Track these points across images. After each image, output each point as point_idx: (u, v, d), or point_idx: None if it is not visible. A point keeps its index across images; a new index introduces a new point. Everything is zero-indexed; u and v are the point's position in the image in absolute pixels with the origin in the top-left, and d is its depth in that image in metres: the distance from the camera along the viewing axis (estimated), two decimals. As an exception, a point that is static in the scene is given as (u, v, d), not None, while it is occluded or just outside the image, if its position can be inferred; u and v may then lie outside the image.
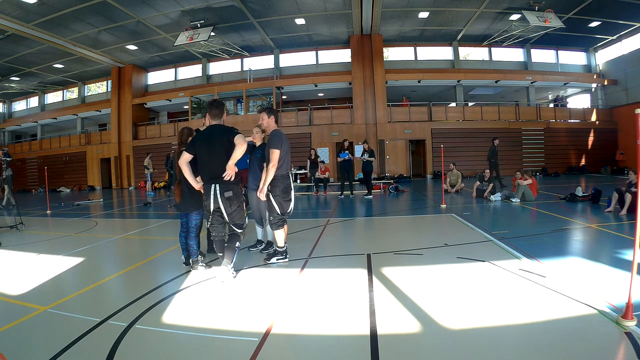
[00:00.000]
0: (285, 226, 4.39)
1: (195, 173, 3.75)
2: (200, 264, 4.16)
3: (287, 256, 4.40)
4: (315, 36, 18.95)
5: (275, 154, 4.08)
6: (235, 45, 18.85)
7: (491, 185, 9.68)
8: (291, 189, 4.33)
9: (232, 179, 3.54)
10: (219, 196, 3.56)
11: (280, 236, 4.31)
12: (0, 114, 26.98)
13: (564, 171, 18.67)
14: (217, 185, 3.57)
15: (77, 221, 8.77)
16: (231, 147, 3.47)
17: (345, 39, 19.25)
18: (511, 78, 19.68)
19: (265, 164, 4.48)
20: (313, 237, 5.64)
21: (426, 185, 15.12)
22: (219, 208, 3.60)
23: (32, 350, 2.44)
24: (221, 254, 3.78)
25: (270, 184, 4.15)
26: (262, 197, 4.15)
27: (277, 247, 4.41)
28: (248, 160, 4.85)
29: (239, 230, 3.75)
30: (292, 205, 4.36)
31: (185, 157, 3.64)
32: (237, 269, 4.02)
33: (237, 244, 3.74)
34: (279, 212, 4.22)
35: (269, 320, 2.76)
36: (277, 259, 4.35)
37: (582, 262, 4.00)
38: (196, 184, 3.72)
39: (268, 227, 4.87)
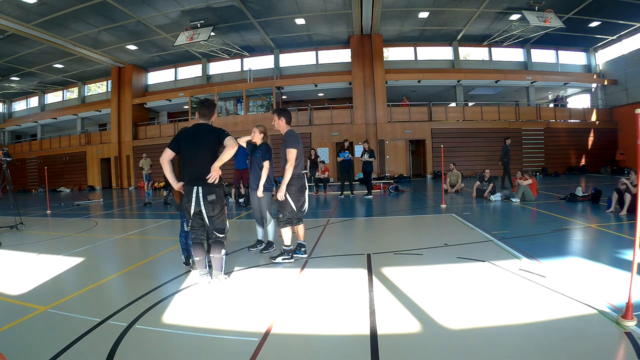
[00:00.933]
0: (303, 225, 4.47)
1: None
2: (200, 264, 4.14)
3: (293, 256, 4.37)
4: (315, 36, 18.95)
5: (292, 153, 4.14)
6: (235, 45, 18.85)
7: (491, 185, 9.68)
8: (306, 189, 4.38)
9: (217, 181, 3.35)
10: (201, 199, 3.35)
11: (286, 234, 4.29)
12: (0, 114, 26.99)
13: (564, 171, 18.67)
14: (200, 188, 3.35)
15: (77, 221, 8.77)
16: (219, 148, 3.32)
17: (345, 39, 19.25)
18: (511, 78, 19.69)
19: (262, 164, 4.60)
20: (313, 237, 5.63)
21: (426, 185, 15.12)
22: (200, 211, 3.39)
23: (32, 350, 2.44)
24: (198, 258, 3.57)
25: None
26: (280, 196, 4.16)
27: (284, 245, 4.36)
28: (248, 161, 4.86)
29: (221, 235, 3.53)
30: (306, 204, 4.43)
31: (168, 155, 3.43)
32: (237, 269, 4.01)
33: (223, 251, 3.55)
34: (295, 210, 4.25)
35: (269, 320, 2.75)
36: (283, 259, 4.31)
37: (582, 262, 4.00)
38: (176, 183, 3.52)
39: (268, 227, 4.88)
